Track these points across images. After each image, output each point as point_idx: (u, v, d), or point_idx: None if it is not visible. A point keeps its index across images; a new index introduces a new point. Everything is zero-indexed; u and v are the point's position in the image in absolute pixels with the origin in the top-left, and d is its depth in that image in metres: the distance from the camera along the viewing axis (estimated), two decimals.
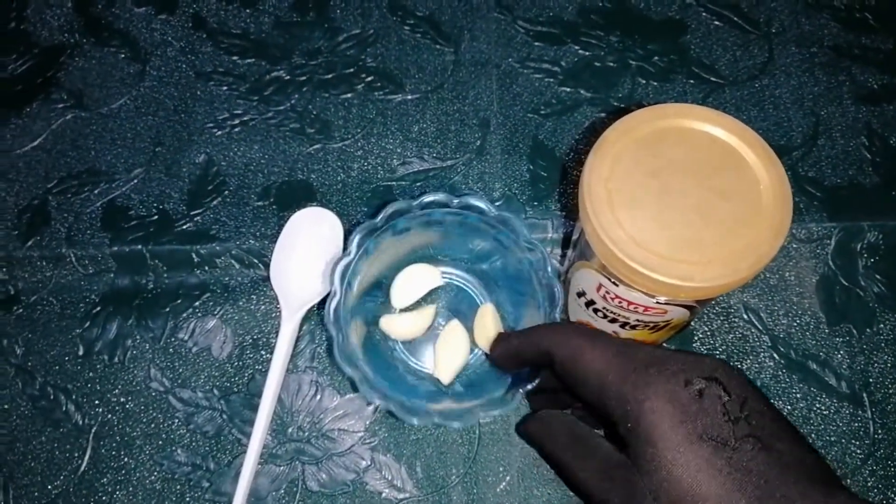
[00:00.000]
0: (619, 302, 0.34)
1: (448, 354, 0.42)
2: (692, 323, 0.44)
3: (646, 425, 0.25)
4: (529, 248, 0.39)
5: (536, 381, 0.35)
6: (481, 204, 0.39)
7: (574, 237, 0.35)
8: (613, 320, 0.36)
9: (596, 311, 0.36)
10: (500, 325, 0.42)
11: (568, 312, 0.41)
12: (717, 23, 0.53)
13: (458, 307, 0.44)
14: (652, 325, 0.35)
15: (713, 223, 0.30)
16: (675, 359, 0.26)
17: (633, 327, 0.36)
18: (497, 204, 0.47)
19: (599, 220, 0.30)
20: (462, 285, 0.45)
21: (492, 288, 0.44)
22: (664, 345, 0.44)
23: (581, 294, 0.37)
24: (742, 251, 0.30)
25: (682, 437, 0.24)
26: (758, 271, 0.30)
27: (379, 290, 0.43)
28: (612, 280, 0.32)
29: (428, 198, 0.39)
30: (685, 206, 0.31)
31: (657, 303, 0.32)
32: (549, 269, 0.38)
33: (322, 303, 0.44)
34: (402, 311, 0.43)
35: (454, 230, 0.42)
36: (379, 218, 0.39)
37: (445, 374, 0.41)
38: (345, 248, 0.39)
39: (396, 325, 0.42)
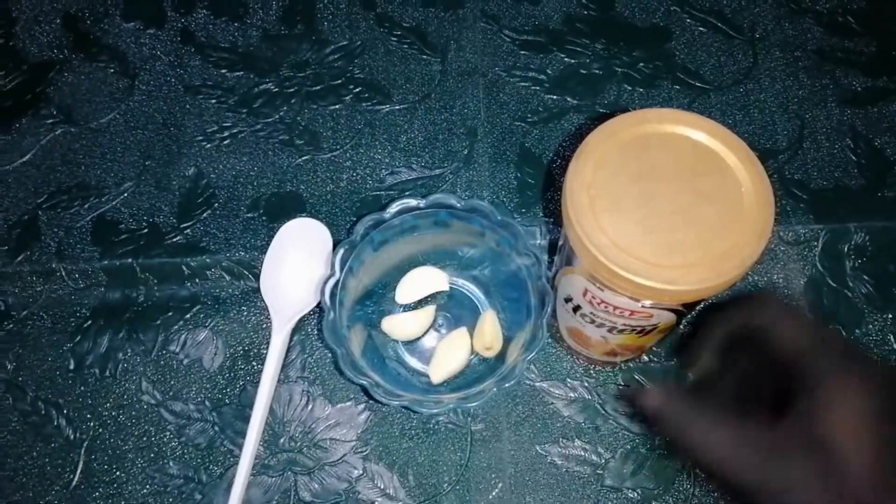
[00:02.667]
0: (605, 306, 0.34)
1: (446, 357, 0.43)
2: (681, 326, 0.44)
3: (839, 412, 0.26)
4: (527, 254, 0.39)
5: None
6: (479, 205, 0.40)
7: (560, 243, 0.35)
8: (601, 325, 0.36)
9: (583, 316, 0.37)
10: (499, 333, 0.43)
11: (557, 318, 0.41)
12: (701, 29, 0.54)
13: (460, 312, 0.45)
14: (639, 329, 0.35)
15: (696, 227, 0.31)
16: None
17: (621, 331, 0.36)
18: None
19: (582, 225, 0.31)
20: (463, 291, 0.46)
21: (488, 294, 0.45)
22: None
23: (568, 299, 0.37)
24: (726, 254, 0.30)
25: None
26: (742, 274, 0.30)
27: (370, 299, 0.44)
28: (598, 285, 0.32)
29: (395, 206, 0.40)
30: (668, 210, 0.31)
31: (643, 307, 0.32)
32: (544, 276, 0.39)
33: (313, 313, 0.44)
34: (403, 309, 0.45)
35: (440, 235, 0.42)
36: (355, 234, 0.40)
37: (438, 375, 0.42)
38: (332, 265, 0.41)
39: (397, 326, 0.44)
